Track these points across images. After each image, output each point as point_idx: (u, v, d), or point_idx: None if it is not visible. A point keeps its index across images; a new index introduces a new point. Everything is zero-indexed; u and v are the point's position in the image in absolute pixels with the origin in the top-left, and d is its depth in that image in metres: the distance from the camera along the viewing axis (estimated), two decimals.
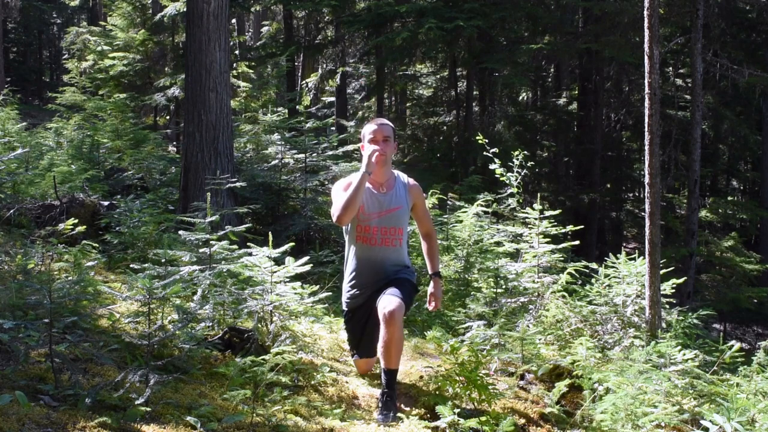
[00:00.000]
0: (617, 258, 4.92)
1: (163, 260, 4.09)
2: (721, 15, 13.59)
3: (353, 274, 3.75)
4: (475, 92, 15.82)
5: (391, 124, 3.79)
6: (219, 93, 7.34)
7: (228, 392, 2.98)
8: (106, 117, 13.26)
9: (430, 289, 3.90)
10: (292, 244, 4.48)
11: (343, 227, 3.78)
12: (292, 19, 16.28)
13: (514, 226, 6.43)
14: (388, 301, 3.44)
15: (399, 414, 3.32)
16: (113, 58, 16.45)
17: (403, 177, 3.83)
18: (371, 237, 3.67)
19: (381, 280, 3.68)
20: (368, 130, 3.70)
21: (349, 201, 3.54)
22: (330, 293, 5.04)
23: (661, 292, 4.53)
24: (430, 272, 3.94)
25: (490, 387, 3.46)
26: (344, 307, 3.85)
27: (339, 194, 3.64)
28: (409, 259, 3.88)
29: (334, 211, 3.61)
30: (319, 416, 3.22)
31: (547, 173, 17.24)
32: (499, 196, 7.74)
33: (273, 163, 9.27)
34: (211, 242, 4.40)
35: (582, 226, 6.25)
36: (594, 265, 5.21)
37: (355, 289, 3.75)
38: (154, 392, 2.87)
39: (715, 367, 4.01)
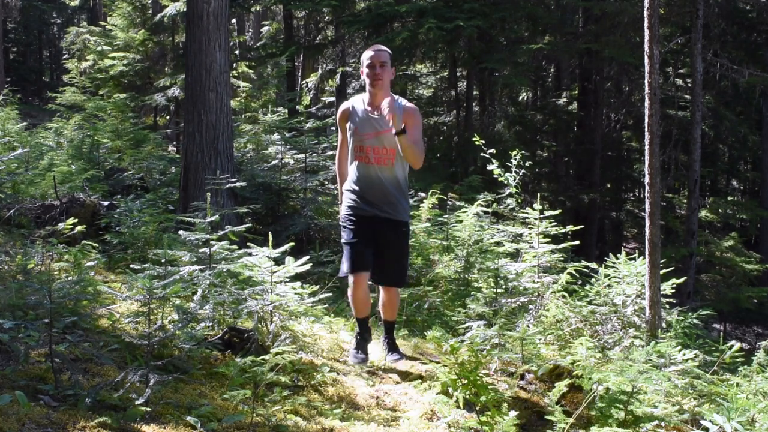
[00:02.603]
0: (617, 258, 4.92)
1: (163, 260, 4.09)
2: (721, 15, 13.59)
3: (353, 186, 4.04)
4: (475, 92, 15.81)
5: (387, 49, 3.99)
6: (219, 93, 7.34)
7: (228, 392, 2.98)
8: (106, 117, 13.26)
9: None
10: (292, 244, 4.48)
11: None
12: (292, 19, 16.27)
13: (514, 226, 6.42)
14: (389, 284, 4.11)
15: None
16: (113, 58, 16.46)
17: (401, 101, 4.00)
18: (366, 156, 3.96)
19: (379, 200, 3.97)
20: (366, 56, 3.92)
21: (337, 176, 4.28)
22: (330, 293, 5.05)
23: (661, 292, 4.53)
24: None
25: (490, 387, 3.45)
26: (344, 212, 4.07)
27: (338, 126, 4.13)
28: (406, 181, 4.07)
29: (336, 158, 4.26)
30: (319, 416, 3.22)
31: (547, 173, 17.22)
32: (499, 196, 7.74)
33: (273, 163, 9.27)
34: (211, 242, 4.40)
35: (582, 226, 6.25)
36: (594, 265, 5.21)
37: (355, 197, 4.02)
38: (154, 392, 2.87)
39: (715, 367, 4.01)
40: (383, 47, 4.01)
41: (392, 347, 4.22)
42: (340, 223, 4.12)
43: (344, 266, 4.01)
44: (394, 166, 3.96)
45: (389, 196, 3.97)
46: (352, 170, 4.04)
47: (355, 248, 3.95)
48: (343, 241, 4.06)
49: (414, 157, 3.83)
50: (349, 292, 4.09)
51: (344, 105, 4.10)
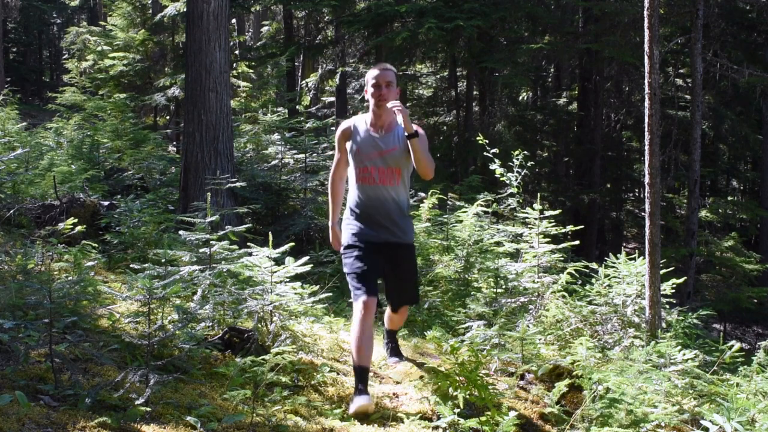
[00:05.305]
0: (617, 258, 4.92)
1: (163, 260, 4.09)
2: (721, 15, 13.59)
3: (356, 210, 3.84)
4: (475, 92, 15.81)
5: (393, 68, 3.87)
6: (219, 93, 7.34)
7: (228, 392, 2.98)
8: (106, 117, 13.26)
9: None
10: (292, 244, 4.48)
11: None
12: (292, 19, 16.27)
13: (514, 226, 6.42)
14: (407, 304, 4.05)
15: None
16: (113, 58, 16.45)
17: None
18: (370, 177, 3.79)
19: (385, 221, 3.79)
20: (371, 75, 3.80)
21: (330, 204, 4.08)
22: (330, 293, 5.05)
23: (661, 292, 4.53)
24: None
25: (490, 387, 3.45)
26: (347, 239, 3.80)
27: (337, 146, 3.95)
28: (408, 202, 3.94)
29: (329, 178, 4.08)
30: (319, 416, 3.22)
31: (547, 173, 17.22)
32: (499, 196, 7.74)
33: (273, 163, 9.28)
34: (211, 242, 4.40)
35: (582, 226, 6.26)
36: (594, 265, 5.21)
37: (359, 223, 3.81)
38: (154, 392, 2.87)
39: (715, 367, 4.01)
40: (389, 66, 3.87)
41: (395, 351, 4.31)
42: (342, 250, 3.81)
43: (356, 294, 3.61)
44: (399, 186, 3.81)
45: (395, 217, 3.80)
46: (354, 193, 3.84)
47: (365, 275, 3.63)
48: (348, 270, 3.70)
49: (427, 163, 3.68)
50: (356, 324, 3.49)
51: (345, 124, 3.92)
